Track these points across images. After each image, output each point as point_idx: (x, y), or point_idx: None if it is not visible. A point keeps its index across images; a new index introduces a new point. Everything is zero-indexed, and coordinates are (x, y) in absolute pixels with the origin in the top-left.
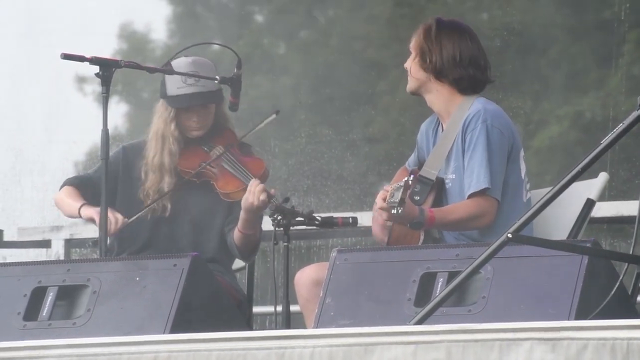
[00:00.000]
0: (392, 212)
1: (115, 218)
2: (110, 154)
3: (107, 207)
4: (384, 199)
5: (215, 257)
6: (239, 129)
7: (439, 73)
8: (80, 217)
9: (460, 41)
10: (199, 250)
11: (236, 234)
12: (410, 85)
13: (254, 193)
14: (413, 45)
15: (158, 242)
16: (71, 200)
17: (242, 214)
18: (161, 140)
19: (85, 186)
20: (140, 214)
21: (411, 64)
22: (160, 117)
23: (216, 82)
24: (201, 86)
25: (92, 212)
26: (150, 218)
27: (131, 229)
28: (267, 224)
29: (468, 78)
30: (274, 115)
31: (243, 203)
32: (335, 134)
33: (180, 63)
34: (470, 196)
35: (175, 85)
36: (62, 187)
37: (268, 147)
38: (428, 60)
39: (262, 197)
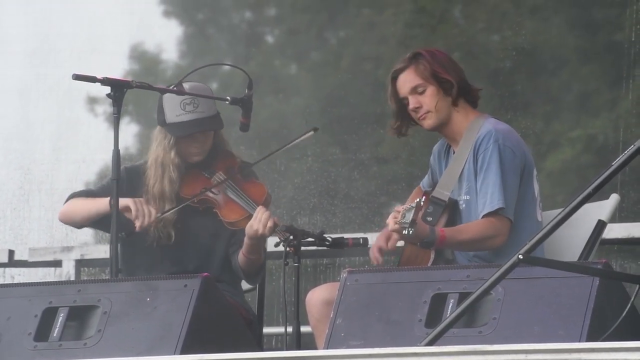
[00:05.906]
0: (404, 232)
1: (149, 211)
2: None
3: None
4: (396, 220)
5: (221, 278)
6: (247, 149)
7: (461, 94)
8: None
9: (455, 62)
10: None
11: (241, 258)
12: (438, 119)
13: (260, 220)
14: (421, 79)
15: (164, 268)
16: (89, 202)
17: (246, 240)
18: (161, 168)
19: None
20: (173, 209)
21: (435, 100)
22: (159, 144)
23: (227, 102)
24: (200, 112)
25: (127, 200)
26: (156, 245)
27: (138, 255)
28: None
29: (476, 92)
30: (311, 132)
31: (247, 230)
32: (342, 152)
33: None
34: (484, 216)
35: (174, 113)
36: (67, 201)
37: (274, 165)
38: (447, 88)
39: (270, 224)
